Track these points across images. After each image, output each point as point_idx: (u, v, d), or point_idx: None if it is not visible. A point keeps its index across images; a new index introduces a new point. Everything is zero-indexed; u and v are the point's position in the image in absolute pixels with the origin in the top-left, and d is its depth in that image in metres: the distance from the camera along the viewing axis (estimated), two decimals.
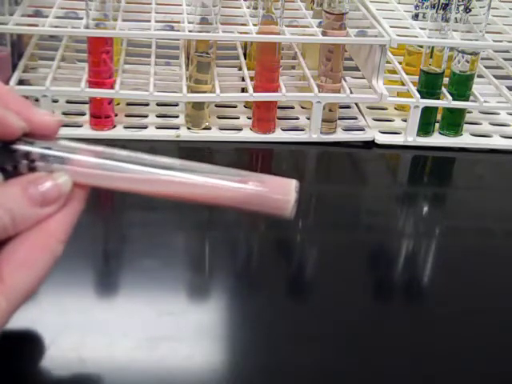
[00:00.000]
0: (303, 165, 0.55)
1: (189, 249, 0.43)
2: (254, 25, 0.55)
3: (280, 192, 0.29)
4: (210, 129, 0.55)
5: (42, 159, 0.29)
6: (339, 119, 0.57)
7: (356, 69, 0.62)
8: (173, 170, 0.29)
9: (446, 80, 0.56)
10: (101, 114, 0.54)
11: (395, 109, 0.61)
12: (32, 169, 0.29)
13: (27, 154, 0.28)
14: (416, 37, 0.56)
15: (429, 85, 0.56)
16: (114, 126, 0.54)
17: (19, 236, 0.28)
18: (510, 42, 0.59)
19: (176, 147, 0.54)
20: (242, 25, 0.56)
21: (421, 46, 0.57)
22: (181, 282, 0.39)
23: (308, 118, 0.57)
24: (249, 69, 0.57)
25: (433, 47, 0.55)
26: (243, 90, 0.57)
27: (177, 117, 0.57)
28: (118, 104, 0.58)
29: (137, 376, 0.32)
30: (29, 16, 0.56)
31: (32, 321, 0.35)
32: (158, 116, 0.57)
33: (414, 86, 0.56)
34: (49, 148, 0.29)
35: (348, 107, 0.61)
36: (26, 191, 0.28)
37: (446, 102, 0.56)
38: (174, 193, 0.29)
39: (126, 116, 0.56)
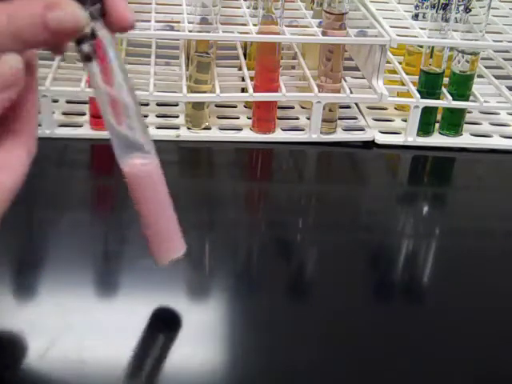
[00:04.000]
0: (303, 165, 0.55)
1: (189, 249, 0.43)
2: (254, 25, 0.55)
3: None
4: (209, 129, 0.55)
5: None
6: (339, 119, 0.57)
7: (356, 69, 0.62)
8: None
9: (446, 80, 0.56)
10: (101, 114, 0.54)
11: (395, 109, 0.61)
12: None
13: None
14: (416, 37, 0.56)
15: (429, 85, 0.56)
16: None
17: None
18: (510, 41, 0.59)
19: (176, 147, 0.54)
20: (242, 25, 0.56)
21: (421, 46, 0.57)
22: (181, 282, 0.39)
23: (308, 118, 0.57)
24: (249, 69, 0.57)
25: (433, 47, 0.55)
26: (243, 90, 0.57)
27: (177, 117, 0.57)
28: None
29: (137, 376, 0.32)
30: None
31: (32, 321, 0.35)
32: (157, 116, 0.57)
33: (414, 85, 0.56)
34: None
35: (348, 107, 0.61)
36: None
37: (446, 102, 0.56)
38: None
39: None
